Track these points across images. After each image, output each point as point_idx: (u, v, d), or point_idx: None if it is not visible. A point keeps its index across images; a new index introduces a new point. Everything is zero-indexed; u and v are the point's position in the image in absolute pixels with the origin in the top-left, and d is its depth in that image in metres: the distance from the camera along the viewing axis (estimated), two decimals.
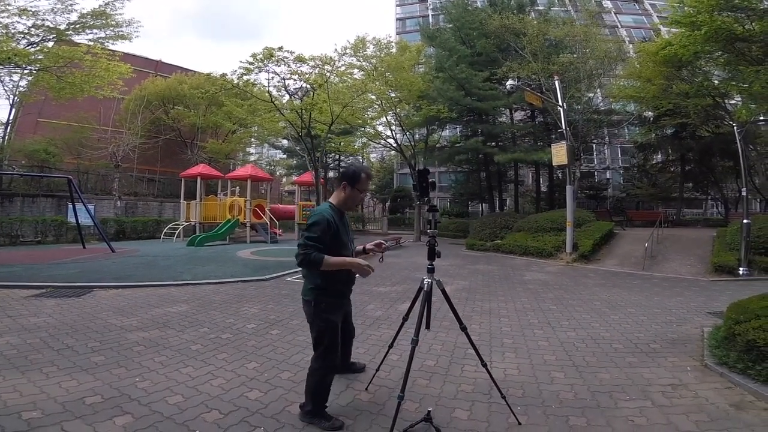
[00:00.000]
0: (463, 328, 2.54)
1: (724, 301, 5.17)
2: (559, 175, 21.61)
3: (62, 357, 3.43)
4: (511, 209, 25.29)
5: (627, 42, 22.59)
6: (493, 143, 20.78)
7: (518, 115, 23.48)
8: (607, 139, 25.09)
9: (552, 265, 10.98)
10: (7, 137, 19.29)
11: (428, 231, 2.31)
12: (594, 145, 27.41)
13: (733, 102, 13.33)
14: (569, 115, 14.53)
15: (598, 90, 18.11)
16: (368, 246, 2.70)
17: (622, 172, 29.85)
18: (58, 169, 18.33)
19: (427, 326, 2.35)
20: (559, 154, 12.24)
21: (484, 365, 2.56)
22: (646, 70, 12.62)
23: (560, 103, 12.66)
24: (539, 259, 12.14)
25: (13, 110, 18.97)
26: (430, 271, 2.34)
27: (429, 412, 2.32)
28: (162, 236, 16.69)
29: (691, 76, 11.56)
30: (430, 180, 2.17)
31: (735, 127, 9.69)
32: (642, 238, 11.46)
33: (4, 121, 18.78)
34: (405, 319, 2.53)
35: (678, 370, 3.33)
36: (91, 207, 13.77)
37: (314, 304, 2.36)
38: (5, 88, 16.29)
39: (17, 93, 17.18)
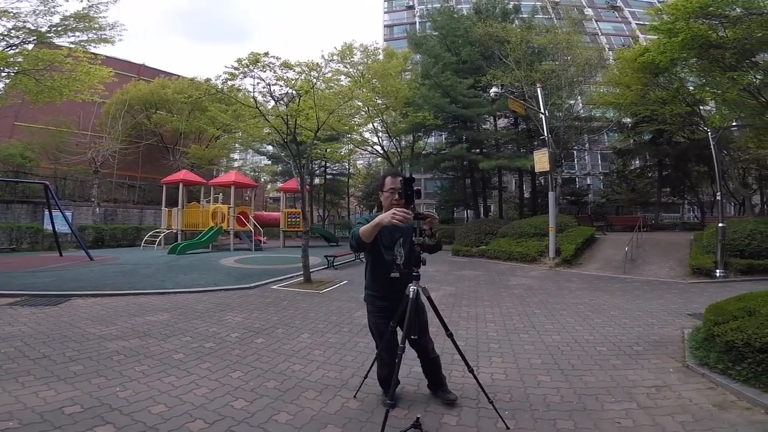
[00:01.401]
0: (449, 335, 2.54)
1: (702, 303, 5.31)
2: (542, 181, 22.04)
3: (39, 366, 3.31)
4: (495, 215, 25.61)
5: (607, 49, 23.31)
6: (478, 150, 21.07)
7: (502, 123, 23.90)
8: (587, 145, 25.75)
9: (536, 269, 11.14)
10: None
11: (413, 239, 2.31)
12: (575, 152, 28.09)
13: (707, 108, 13.89)
14: (551, 122, 14.87)
15: (579, 97, 18.62)
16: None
17: (602, 177, 30.65)
18: (35, 174, 17.73)
19: (414, 333, 2.33)
20: (541, 161, 12.49)
21: (471, 371, 2.56)
22: (624, 76, 13.03)
23: (542, 110, 12.96)
24: (523, 264, 12.30)
25: None
26: (416, 278, 2.33)
27: (418, 418, 2.29)
28: (143, 244, 16.26)
29: (667, 83, 11.98)
30: (415, 188, 2.18)
31: (709, 133, 10.08)
32: (622, 243, 11.75)
33: None
34: (393, 326, 2.51)
35: (661, 372, 3.40)
36: (68, 214, 13.30)
37: (366, 304, 2.71)
38: None
39: None
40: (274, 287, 7.67)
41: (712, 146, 9.78)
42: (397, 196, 2.44)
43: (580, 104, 19.64)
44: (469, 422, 2.53)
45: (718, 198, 10.23)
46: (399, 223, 2.13)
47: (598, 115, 20.85)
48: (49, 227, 12.31)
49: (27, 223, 15.37)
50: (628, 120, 20.42)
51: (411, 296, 2.29)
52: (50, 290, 6.50)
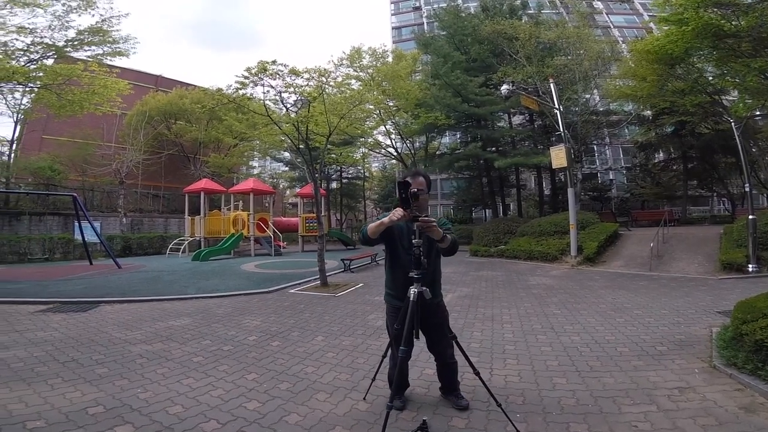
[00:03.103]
0: (452, 337, 2.53)
1: (733, 300, 5.05)
2: (561, 177, 21.55)
3: (67, 369, 3.48)
4: (514, 214, 25.18)
5: (620, 42, 22.65)
6: (493, 148, 20.79)
7: (517, 119, 23.52)
8: (607, 139, 25.02)
9: (557, 268, 10.88)
10: (12, 155, 19.52)
11: (414, 241, 2.31)
12: (595, 147, 27.35)
13: (730, 98, 13.30)
14: (567, 117, 14.55)
15: (595, 91, 18.14)
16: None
17: (624, 172, 29.69)
18: (64, 186, 18.51)
19: (416, 336, 2.33)
20: (558, 157, 12.22)
21: (477, 373, 2.53)
22: (639, 68, 12.67)
23: (557, 106, 12.68)
24: (544, 263, 12.05)
25: (18, 127, 19.19)
26: (417, 280, 2.33)
27: (425, 421, 2.28)
28: (168, 251, 16.81)
29: (685, 74, 11.58)
30: (411, 191, 2.18)
31: (733, 123, 9.65)
32: (648, 238, 11.34)
33: (9, 138, 18.99)
34: (396, 328, 2.52)
35: (685, 373, 3.26)
36: (96, 224, 13.88)
37: (385, 304, 2.74)
38: (8, 105, 16.57)
39: (20, 110, 17.47)
40: (292, 291, 7.78)
41: (736, 136, 9.35)
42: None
43: (597, 98, 19.13)
44: (478, 425, 2.49)
45: (747, 189, 9.74)
46: (398, 222, 2.24)
47: (615, 108, 20.26)
48: (80, 237, 12.88)
49: (59, 233, 16.16)
50: (648, 112, 19.76)
51: (411, 298, 2.28)
52: (80, 297, 6.80)
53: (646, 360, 3.62)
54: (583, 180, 24.72)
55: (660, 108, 15.45)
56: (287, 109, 7.80)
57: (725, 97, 12.99)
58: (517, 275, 9.79)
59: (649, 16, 29.29)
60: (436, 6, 29.51)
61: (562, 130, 12.65)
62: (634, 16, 36.42)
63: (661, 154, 24.88)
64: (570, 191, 12.34)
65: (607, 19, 35.21)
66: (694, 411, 2.58)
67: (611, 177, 29.67)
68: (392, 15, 47.54)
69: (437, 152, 23.90)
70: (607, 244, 12.46)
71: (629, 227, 17.10)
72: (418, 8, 44.66)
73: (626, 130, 24.18)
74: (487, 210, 26.17)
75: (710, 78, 11.86)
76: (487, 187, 23.65)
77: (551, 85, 12.89)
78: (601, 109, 20.08)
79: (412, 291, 2.30)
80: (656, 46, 10.18)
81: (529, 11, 22.55)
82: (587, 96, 17.91)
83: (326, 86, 7.58)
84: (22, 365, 3.55)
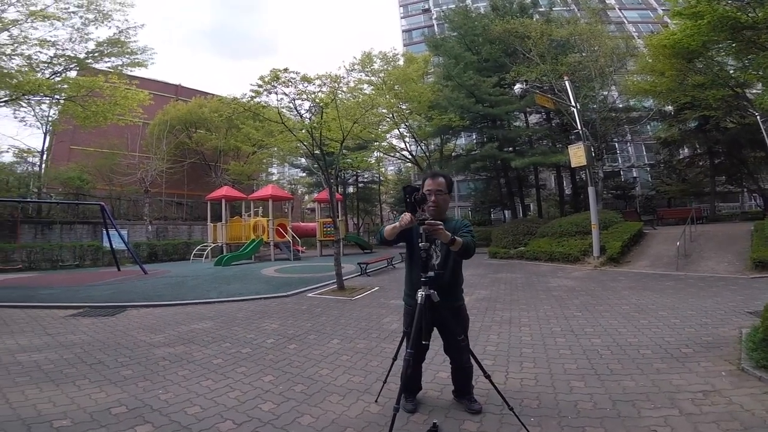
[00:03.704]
0: (462, 340, 2.52)
1: (765, 300, 4.82)
2: (582, 176, 21.04)
3: (94, 371, 3.64)
4: (534, 214, 24.71)
5: (635, 37, 22.03)
6: (510, 148, 20.50)
7: (533, 118, 23.13)
8: (628, 136, 24.28)
9: (579, 270, 10.61)
10: (43, 165, 20.50)
11: (420, 244, 2.31)
12: (616, 144, 26.59)
13: (755, 91, 12.72)
14: (586, 115, 14.23)
15: (613, 87, 17.67)
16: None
17: (648, 169, 28.73)
18: (92, 196, 19.33)
19: (425, 338, 2.33)
20: (576, 155, 11.95)
21: (487, 377, 2.50)
22: (657, 63, 12.33)
23: (573, 103, 12.42)
24: (565, 264, 11.76)
25: (47, 138, 20.12)
26: (425, 283, 2.33)
27: (435, 424, 2.28)
28: (192, 257, 17.31)
29: (705, 67, 11.18)
30: (419, 194, 2.21)
31: (758, 117, 9.24)
32: (674, 237, 10.91)
33: (39, 149, 19.93)
34: (406, 331, 2.53)
35: (711, 376, 3.13)
36: (124, 232, 14.43)
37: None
38: (37, 117, 17.45)
39: (48, 122, 18.32)
40: (310, 295, 7.88)
41: (762, 130, 8.94)
42: (433, 197, 2.49)
43: (615, 95, 18.63)
44: (491, 429, 2.47)
45: None
46: (409, 226, 2.24)
47: (635, 104, 19.68)
48: (108, 245, 13.43)
49: (88, 241, 16.91)
50: (670, 108, 19.12)
51: (420, 301, 2.29)
52: (108, 302, 7.09)
53: (669, 362, 3.50)
54: (605, 178, 24.02)
55: (681, 103, 14.98)
56: (301, 116, 7.95)
57: (749, 90, 12.43)
58: (537, 277, 9.59)
59: (662, 10, 28.46)
60: (445, 7, 29.46)
61: (579, 128, 12.36)
62: (648, 11, 35.54)
63: (686, 150, 24.02)
64: (591, 190, 12.04)
65: (620, 14, 34.49)
66: (719, 415, 2.47)
67: (634, 175, 28.78)
68: (401, 18, 47.62)
69: (453, 154, 23.74)
70: (632, 244, 12.07)
71: (654, 226, 16.50)
72: (427, 10, 44.61)
73: (648, 127, 23.43)
74: (505, 211, 25.80)
75: (731, 71, 11.43)
76: (505, 188, 23.32)
77: (566, 82, 12.64)
78: (620, 105, 19.53)
79: (420, 294, 2.31)
80: (672, 41, 9.89)
81: (540, 9, 22.20)
82: (605, 93, 17.45)
83: (339, 92, 7.69)
84: (52, 367, 3.74)
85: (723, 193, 23.73)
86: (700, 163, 22.77)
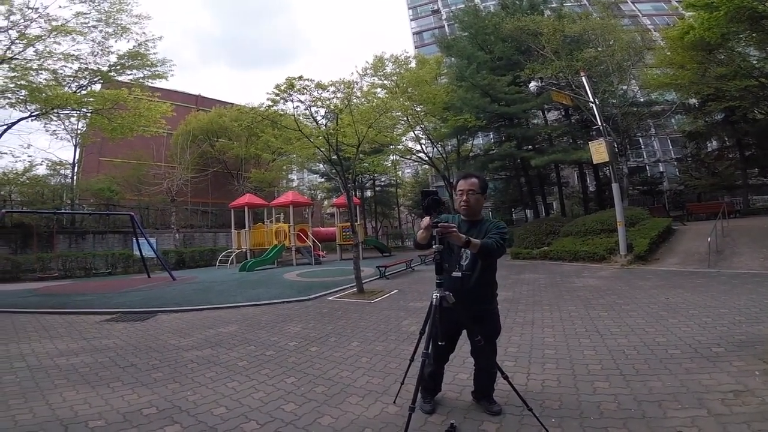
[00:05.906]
0: (478, 341, 2.48)
1: None
2: (606, 172, 20.43)
3: (127, 373, 3.82)
4: (557, 213, 24.14)
5: (652, 30, 21.28)
6: (529, 147, 20.12)
7: (552, 115, 22.62)
8: (652, 130, 23.42)
9: (605, 269, 10.31)
10: (75, 177, 21.53)
11: (433, 246, 2.34)
12: (640, 139, 25.68)
13: None
14: (606, 110, 13.85)
15: (632, 81, 17.13)
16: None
17: (675, 163, 27.60)
18: (122, 206, 20.19)
19: (441, 340, 2.34)
20: (598, 151, 11.65)
21: (505, 377, 2.49)
22: (676, 56, 11.91)
23: (592, 99, 12.11)
24: (591, 263, 11.45)
25: (77, 151, 21.11)
26: (439, 285, 2.35)
27: (452, 424, 2.29)
28: (217, 263, 17.83)
29: (727, 59, 10.71)
30: (435, 198, 2.24)
31: None
32: (705, 233, 10.46)
33: (70, 162, 20.91)
34: (421, 333, 2.55)
35: (743, 375, 3.00)
36: (153, 241, 15.02)
37: None
38: (66, 130, 18.32)
39: (77, 134, 19.21)
40: (330, 298, 7.99)
41: None
42: (465, 197, 2.52)
43: (635, 89, 18.04)
44: (510, 430, 2.46)
45: None
46: (431, 230, 2.27)
47: (657, 98, 18.99)
48: (138, 253, 14.01)
49: (119, 250, 17.70)
50: (694, 100, 18.40)
51: (434, 303, 2.31)
52: (139, 308, 7.40)
53: (699, 362, 3.37)
54: (630, 174, 23.28)
55: (705, 95, 14.38)
56: (317, 122, 8.11)
57: None
58: (561, 277, 9.38)
59: (677, 1, 27.43)
60: (454, 8, 29.25)
61: (600, 123, 12.04)
62: (662, 3, 34.38)
63: (714, 143, 22.99)
64: (615, 186, 11.70)
65: (634, 7, 33.36)
66: (750, 416, 2.38)
67: (661, 169, 27.68)
68: (411, 20, 47.47)
69: (470, 154, 23.50)
70: (660, 241, 11.65)
71: (684, 221, 15.85)
72: (436, 11, 44.36)
73: (672, 120, 22.55)
74: (527, 210, 25.30)
75: (755, 62, 10.92)
76: (526, 187, 22.88)
77: (583, 78, 12.35)
78: (641, 99, 18.90)
79: (435, 295, 2.33)
80: (693, 36, 9.55)
81: (552, 5, 21.72)
82: (624, 87, 16.93)
83: (353, 97, 7.79)
84: (88, 370, 3.95)
85: (757, 186, 22.54)
86: (730, 156, 21.76)
